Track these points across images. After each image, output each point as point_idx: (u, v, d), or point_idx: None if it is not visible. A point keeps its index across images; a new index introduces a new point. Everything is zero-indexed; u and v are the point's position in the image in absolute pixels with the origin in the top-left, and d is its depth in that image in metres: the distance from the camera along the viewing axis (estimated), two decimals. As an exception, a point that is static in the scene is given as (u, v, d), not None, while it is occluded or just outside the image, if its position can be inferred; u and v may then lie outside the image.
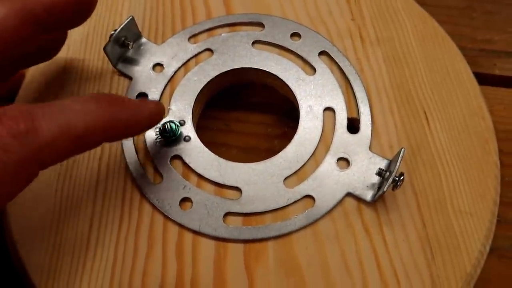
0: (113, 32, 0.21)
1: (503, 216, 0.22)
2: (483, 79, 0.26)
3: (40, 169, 0.15)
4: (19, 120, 0.14)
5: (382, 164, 0.20)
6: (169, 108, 0.21)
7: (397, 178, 0.18)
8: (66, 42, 0.24)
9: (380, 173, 0.19)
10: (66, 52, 0.24)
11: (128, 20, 0.22)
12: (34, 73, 0.23)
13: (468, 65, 0.23)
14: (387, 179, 0.18)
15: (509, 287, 0.21)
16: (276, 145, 0.23)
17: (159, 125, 0.20)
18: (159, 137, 0.20)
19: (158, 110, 0.18)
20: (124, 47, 0.22)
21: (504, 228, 0.22)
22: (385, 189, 0.18)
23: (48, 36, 0.19)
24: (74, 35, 0.24)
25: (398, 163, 0.18)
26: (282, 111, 0.24)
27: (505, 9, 0.29)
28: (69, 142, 0.15)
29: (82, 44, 0.24)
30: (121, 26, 0.21)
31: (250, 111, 0.24)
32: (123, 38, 0.22)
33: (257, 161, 0.20)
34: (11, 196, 0.14)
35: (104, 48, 0.21)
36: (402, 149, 0.18)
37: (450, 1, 0.29)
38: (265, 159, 0.20)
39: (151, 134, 0.21)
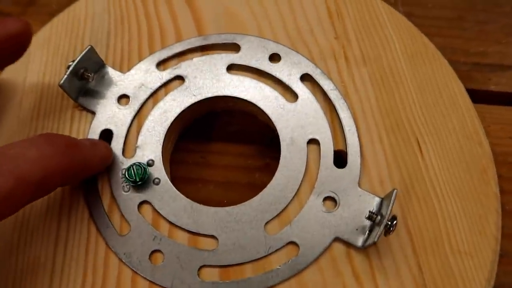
0: (70, 64, 0.19)
1: (505, 249, 0.20)
2: (478, 96, 0.24)
3: None
4: None
5: (373, 203, 0.18)
6: (136, 147, 0.19)
7: (389, 223, 0.16)
8: (23, 73, 0.22)
9: (371, 217, 0.17)
10: (22, 85, 0.21)
11: (86, 50, 0.19)
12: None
13: (461, 84, 0.22)
14: (379, 225, 0.16)
15: (513, 329, 0.19)
16: (257, 178, 0.21)
17: (124, 167, 0.18)
18: (126, 181, 0.18)
19: (108, 154, 0.18)
20: (84, 79, 0.20)
21: (506, 263, 0.20)
22: (376, 239, 0.16)
23: None
24: (32, 64, 0.22)
25: (390, 208, 0.16)
26: (263, 140, 0.22)
27: (498, 18, 0.27)
28: (27, 191, 0.14)
29: (40, 74, 0.21)
30: (79, 58, 0.19)
31: (228, 141, 0.22)
32: (82, 70, 0.19)
33: (237, 198, 0.18)
34: None
35: (61, 84, 0.19)
36: (394, 191, 0.16)
37: (440, 11, 0.27)
38: (245, 199, 0.18)
39: (117, 179, 0.19)
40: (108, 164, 0.19)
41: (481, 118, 0.23)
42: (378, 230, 0.16)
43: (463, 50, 0.26)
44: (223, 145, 0.22)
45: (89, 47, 0.19)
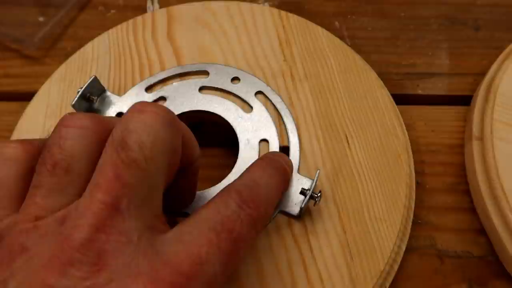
0: (79, 89, 0.26)
1: (424, 219, 0.26)
2: (408, 100, 0.30)
3: None
4: (255, 209, 0.17)
5: (308, 183, 0.23)
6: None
7: (315, 195, 0.22)
8: (46, 101, 0.28)
9: (302, 192, 0.23)
10: (45, 110, 0.28)
11: (91, 79, 0.26)
12: (17, 134, 0.27)
13: (385, 90, 0.27)
14: (307, 197, 0.22)
15: (429, 281, 0.24)
16: (227, 174, 0.27)
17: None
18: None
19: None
20: (90, 101, 0.26)
21: (424, 229, 0.25)
22: (302, 205, 0.21)
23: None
24: (52, 94, 0.28)
25: (313, 183, 0.22)
26: (231, 143, 0.28)
27: (426, 35, 0.32)
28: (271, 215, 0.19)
29: (58, 102, 0.28)
30: (85, 85, 0.26)
31: (203, 146, 0.28)
32: (88, 94, 0.26)
33: (211, 189, 0.24)
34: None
35: (72, 104, 0.25)
36: (318, 171, 0.22)
37: (377, 33, 0.33)
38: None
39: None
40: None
41: (409, 117, 0.29)
42: (306, 199, 0.21)
43: (396, 63, 0.31)
44: (200, 149, 0.28)
45: (93, 77, 0.26)
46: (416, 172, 0.26)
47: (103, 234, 0.14)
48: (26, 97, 0.31)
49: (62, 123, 0.17)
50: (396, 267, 0.23)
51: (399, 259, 0.23)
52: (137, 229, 0.15)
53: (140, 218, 0.15)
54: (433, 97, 0.30)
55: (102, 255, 0.14)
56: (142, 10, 0.35)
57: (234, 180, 0.19)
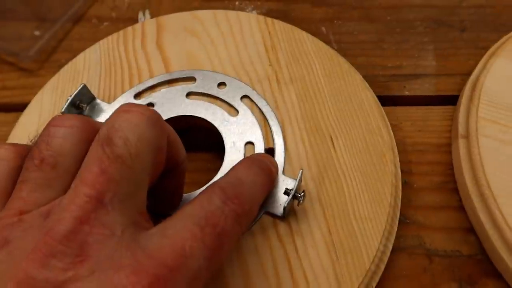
0: (68, 97, 0.26)
1: (412, 218, 0.25)
2: (395, 101, 0.30)
3: None
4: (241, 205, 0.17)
5: (292, 184, 0.23)
6: (118, 157, 0.26)
7: (299, 195, 0.22)
8: (38, 111, 0.29)
9: (286, 192, 0.23)
10: (38, 119, 0.29)
11: (80, 87, 0.26)
12: (11, 140, 0.28)
13: (371, 91, 0.28)
14: (290, 196, 0.22)
15: (418, 280, 0.24)
16: (214, 178, 0.27)
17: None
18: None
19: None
20: (79, 109, 0.27)
21: (413, 229, 0.25)
22: (285, 205, 0.22)
23: None
24: (44, 104, 0.29)
25: (296, 183, 0.22)
26: (218, 148, 0.28)
27: (412, 37, 0.33)
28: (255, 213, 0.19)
29: (50, 111, 0.29)
30: (75, 92, 0.26)
31: (191, 151, 0.29)
32: (78, 102, 0.27)
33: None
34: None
35: (62, 112, 0.26)
36: (300, 171, 0.22)
37: (364, 36, 0.33)
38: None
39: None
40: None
41: (395, 118, 0.29)
42: (288, 199, 0.22)
43: (382, 65, 0.32)
44: (188, 154, 0.29)
45: (82, 85, 0.26)
46: (403, 171, 0.26)
47: (86, 226, 0.14)
48: (22, 108, 0.31)
49: (51, 123, 0.18)
50: (382, 266, 0.22)
51: (385, 259, 0.23)
52: (121, 223, 0.15)
53: (124, 213, 0.15)
54: (420, 98, 0.30)
55: (85, 247, 0.14)
56: (134, 21, 0.36)
57: (219, 178, 0.19)
